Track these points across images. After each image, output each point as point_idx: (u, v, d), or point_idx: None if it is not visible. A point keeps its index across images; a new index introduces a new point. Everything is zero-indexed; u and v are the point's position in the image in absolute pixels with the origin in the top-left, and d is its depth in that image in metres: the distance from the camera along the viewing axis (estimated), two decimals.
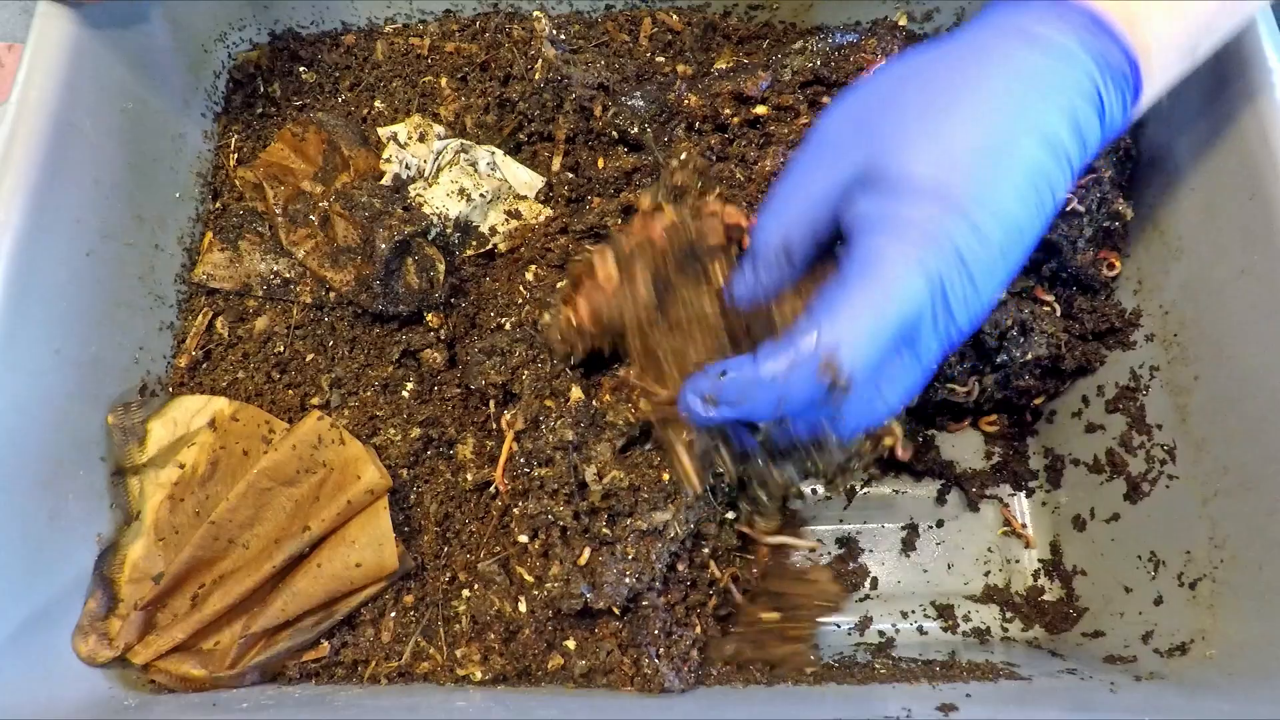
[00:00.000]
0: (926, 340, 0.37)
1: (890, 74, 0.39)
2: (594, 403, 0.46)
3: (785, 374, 0.36)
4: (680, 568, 0.47)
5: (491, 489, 0.50)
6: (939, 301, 0.35)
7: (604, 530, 0.45)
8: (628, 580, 0.44)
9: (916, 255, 0.35)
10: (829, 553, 0.59)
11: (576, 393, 0.47)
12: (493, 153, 0.55)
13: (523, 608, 0.47)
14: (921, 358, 0.37)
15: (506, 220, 0.55)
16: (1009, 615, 0.57)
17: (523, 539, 0.47)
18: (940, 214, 0.34)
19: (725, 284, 0.42)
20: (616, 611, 0.46)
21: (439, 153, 0.55)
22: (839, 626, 0.57)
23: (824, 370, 0.35)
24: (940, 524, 0.60)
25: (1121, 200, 0.52)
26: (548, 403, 0.47)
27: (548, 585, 0.45)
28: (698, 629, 0.47)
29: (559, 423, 0.45)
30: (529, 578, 0.47)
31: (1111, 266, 0.54)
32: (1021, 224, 0.36)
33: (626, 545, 0.45)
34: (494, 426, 0.51)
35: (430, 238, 0.53)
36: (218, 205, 0.57)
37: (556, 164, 0.55)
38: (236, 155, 0.58)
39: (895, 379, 0.38)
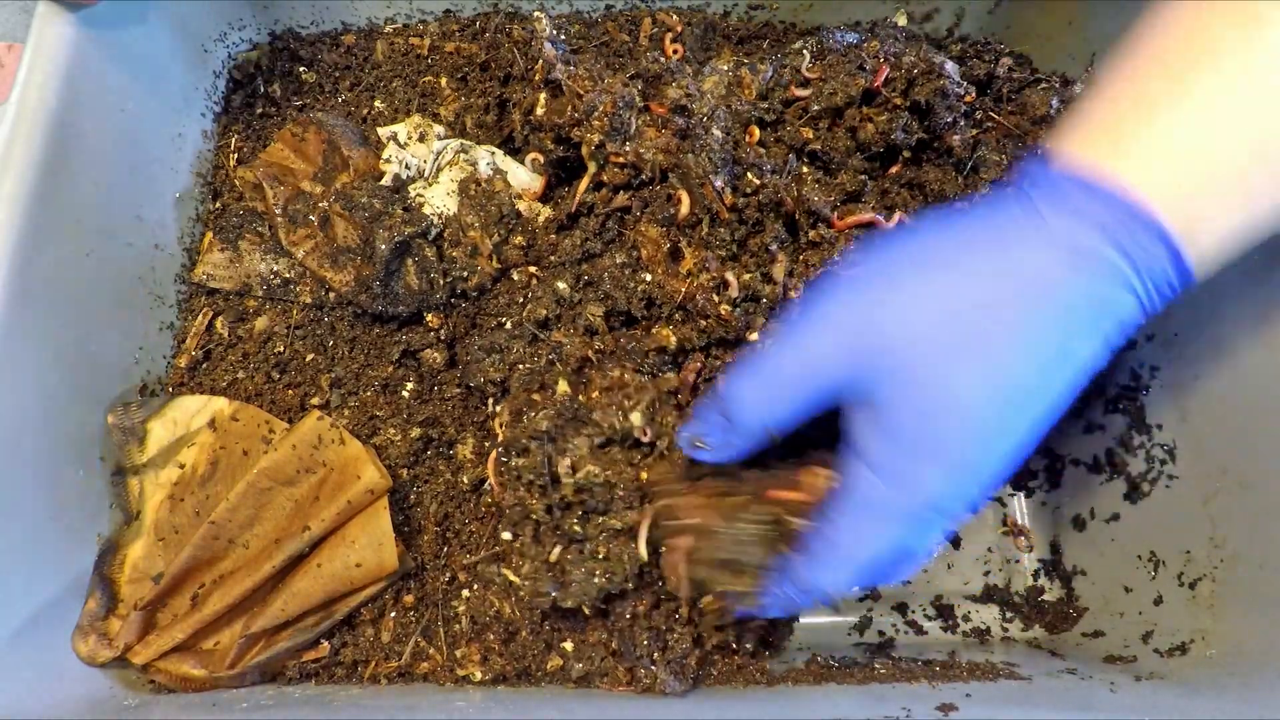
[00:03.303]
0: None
1: (907, 259, 0.35)
2: (580, 398, 0.46)
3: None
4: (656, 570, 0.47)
5: (485, 485, 0.50)
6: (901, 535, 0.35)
7: (575, 528, 0.44)
8: (597, 580, 0.44)
9: (900, 514, 0.34)
10: None
11: (563, 386, 0.46)
12: (493, 153, 0.55)
13: (513, 608, 0.47)
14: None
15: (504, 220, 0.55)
16: (1009, 615, 0.57)
17: (506, 535, 0.46)
18: (911, 458, 0.34)
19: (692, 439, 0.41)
20: (587, 612, 0.45)
21: (439, 153, 0.55)
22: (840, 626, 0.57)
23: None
24: None
25: None
26: (534, 396, 0.47)
27: (521, 584, 0.45)
28: (690, 631, 0.46)
29: (539, 414, 0.45)
30: (513, 578, 0.47)
31: None
32: (1021, 447, 0.34)
33: (598, 544, 0.44)
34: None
35: (430, 238, 0.53)
36: (218, 205, 0.57)
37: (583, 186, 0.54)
38: (236, 155, 0.58)
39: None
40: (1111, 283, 0.32)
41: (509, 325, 0.51)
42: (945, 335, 0.33)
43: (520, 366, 0.48)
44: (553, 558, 0.45)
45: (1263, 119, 0.31)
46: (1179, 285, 0.33)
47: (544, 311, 0.49)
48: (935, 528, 0.35)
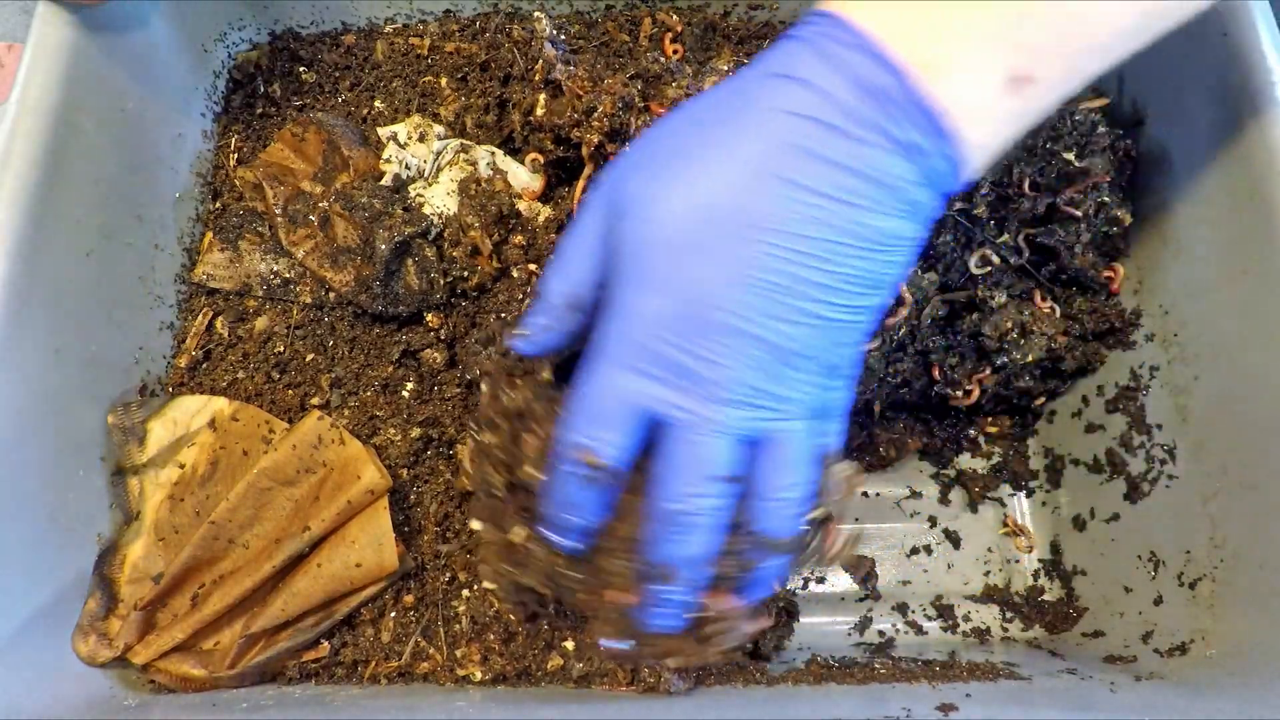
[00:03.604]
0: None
1: (661, 125, 0.36)
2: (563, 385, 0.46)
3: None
4: None
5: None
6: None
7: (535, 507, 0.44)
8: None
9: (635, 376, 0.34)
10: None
11: (546, 374, 0.46)
12: (492, 153, 0.55)
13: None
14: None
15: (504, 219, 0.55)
16: (1009, 615, 0.57)
17: (474, 525, 0.46)
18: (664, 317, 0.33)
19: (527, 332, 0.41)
20: (548, 593, 0.45)
21: (439, 153, 0.55)
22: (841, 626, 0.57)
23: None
24: (941, 524, 0.60)
25: (1120, 207, 0.52)
26: (517, 379, 0.47)
27: (483, 568, 0.45)
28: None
29: (516, 394, 0.45)
30: (487, 579, 0.46)
31: (1112, 278, 0.54)
32: (806, 339, 0.33)
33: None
34: None
35: (430, 238, 0.53)
36: (218, 205, 0.57)
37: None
38: (236, 155, 0.58)
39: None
40: (825, 102, 0.32)
41: (507, 319, 0.51)
42: (655, 156, 0.34)
43: (512, 354, 0.48)
44: (514, 538, 0.45)
45: None
46: (938, 138, 0.32)
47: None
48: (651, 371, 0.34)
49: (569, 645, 0.47)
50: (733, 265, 0.32)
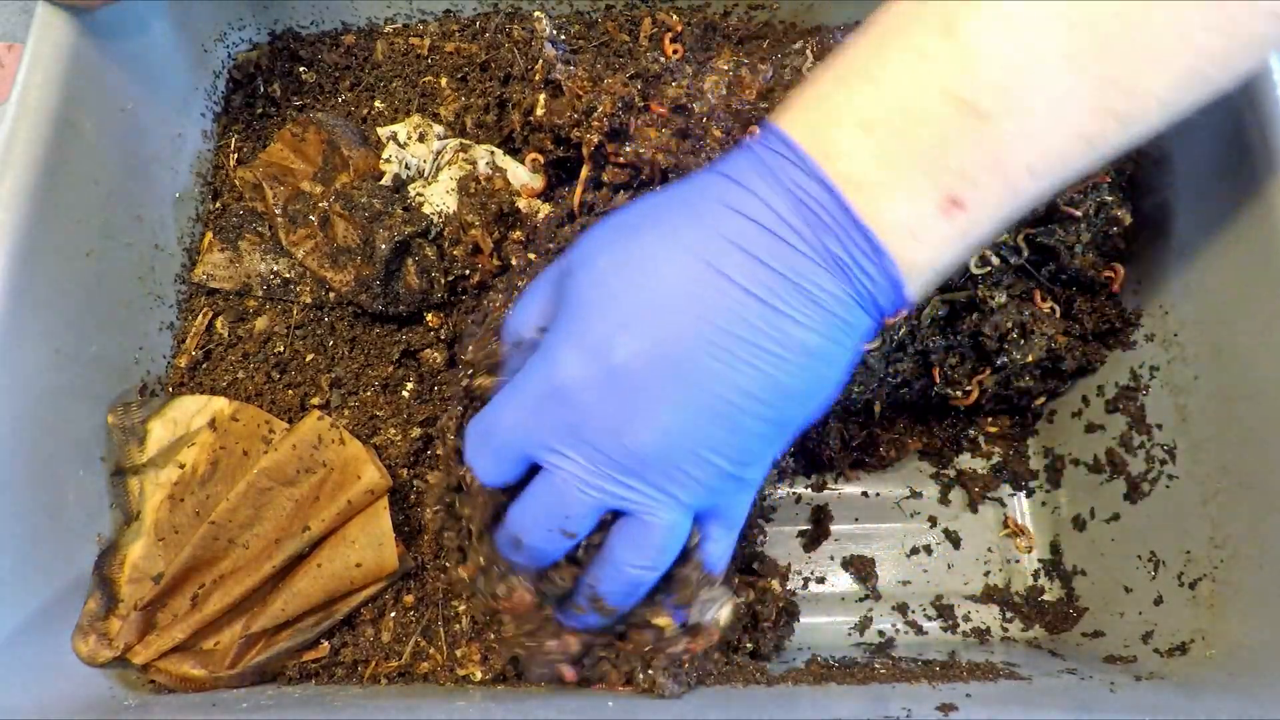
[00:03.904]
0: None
1: (628, 206, 0.37)
2: None
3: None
4: None
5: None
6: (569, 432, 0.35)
7: None
8: None
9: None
10: (832, 556, 0.59)
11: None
12: (492, 152, 0.55)
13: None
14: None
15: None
16: (1009, 615, 0.57)
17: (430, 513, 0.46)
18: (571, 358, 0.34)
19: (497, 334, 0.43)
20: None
21: (439, 152, 0.55)
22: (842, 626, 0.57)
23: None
24: (941, 524, 0.60)
25: (1120, 207, 0.52)
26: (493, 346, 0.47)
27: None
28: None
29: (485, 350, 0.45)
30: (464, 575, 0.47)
31: (1112, 278, 0.54)
32: (705, 434, 0.34)
33: None
34: None
35: (430, 237, 0.53)
36: (218, 205, 0.57)
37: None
38: (236, 155, 0.58)
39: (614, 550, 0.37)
40: (793, 256, 0.32)
41: (499, 300, 0.51)
42: (610, 228, 0.36)
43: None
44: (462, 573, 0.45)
45: (891, 66, 0.33)
46: (882, 276, 0.33)
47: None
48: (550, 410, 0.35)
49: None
50: (650, 340, 0.33)
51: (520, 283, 0.51)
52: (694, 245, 0.33)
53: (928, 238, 0.33)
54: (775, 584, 0.50)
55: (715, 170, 0.35)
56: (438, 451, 0.46)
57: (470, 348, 0.46)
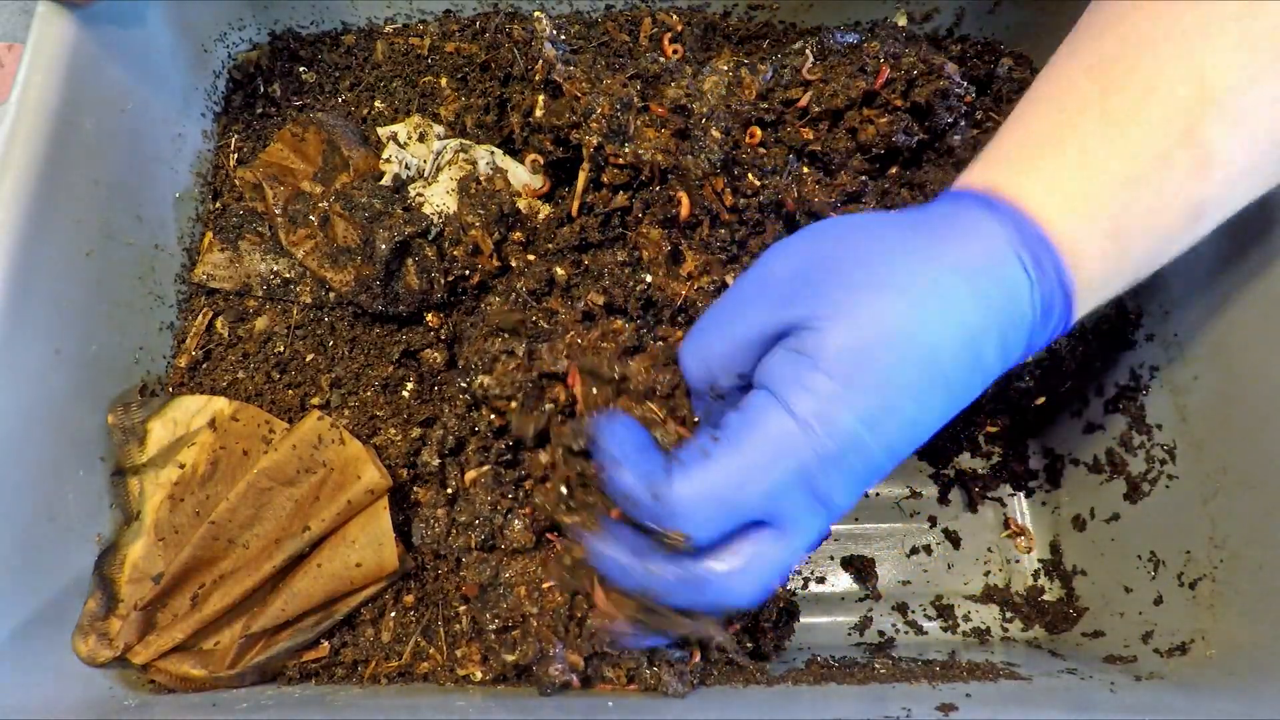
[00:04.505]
0: (792, 522, 0.35)
1: (843, 228, 0.37)
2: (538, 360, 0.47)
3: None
4: None
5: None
6: (805, 482, 0.34)
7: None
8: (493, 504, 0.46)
9: (797, 425, 0.33)
10: (832, 556, 0.59)
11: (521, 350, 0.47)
12: (492, 153, 0.55)
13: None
14: (787, 539, 0.35)
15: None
16: (1009, 615, 0.57)
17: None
18: (838, 392, 0.33)
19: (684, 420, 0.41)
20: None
21: (439, 153, 0.55)
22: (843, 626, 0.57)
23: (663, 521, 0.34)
24: (940, 524, 0.60)
25: None
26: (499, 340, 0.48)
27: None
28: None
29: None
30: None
31: None
32: (917, 423, 0.34)
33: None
34: None
35: (430, 237, 0.53)
36: (218, 205, 0.57)
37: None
38: (236, 155, 0.58)
39: (752, 562, 0.36)
40: (1006, 290, 0.34)
41: (495, 303, 0.51)
42: (859, 269, 0.35)
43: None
44: (468, 480, 0.47)
45: (1136, 164, 0.34)
46: (1064, 313, 0.35)
47: (535, 285, 0.50)
48: (837, 479, 0.34)
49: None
50: (917, 397, 0.33)
51: (519, 284, 0.51)
52: (965, 318, 0.33)
53: (1107, 289, 0.37)
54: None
55: (940, 210, 0.36)
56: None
57: (469, 351, 0.46)
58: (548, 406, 0.45)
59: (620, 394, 0.42)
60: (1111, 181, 0.34)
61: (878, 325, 0.33)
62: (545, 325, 0.48)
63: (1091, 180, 0.34)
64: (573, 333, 0.46)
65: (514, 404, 0.46)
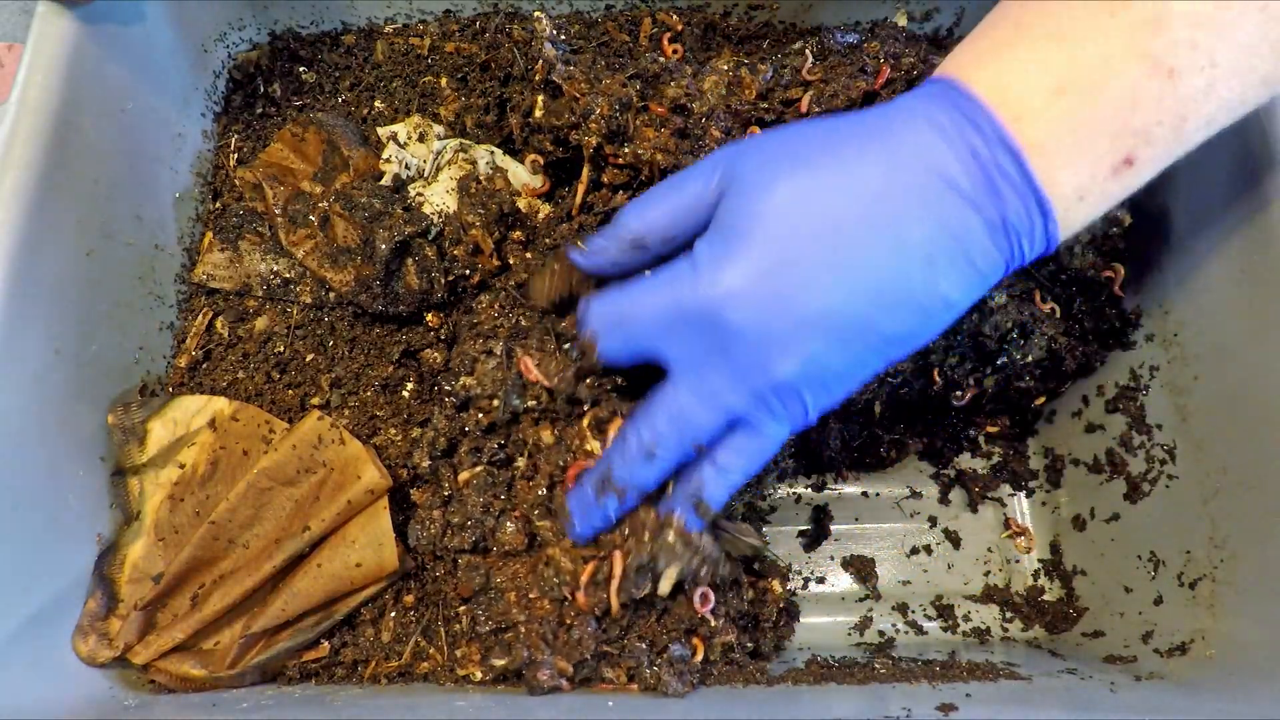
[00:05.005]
0: (682, 362, 0.37)
1: (792, 129, 0.37)
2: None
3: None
4: None
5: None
6: (687, 318, 0.35)
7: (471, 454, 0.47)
8: (484, 503, 0.46)
9: (689, 264, 0.36)
10: (832, 556, 0.59)
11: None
12: (492, 152, 0.55)
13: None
14: (675, 379, 0.37)
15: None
16: (1009, 615, 0.57)
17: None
18: (731, 245, 0.34)
19: (580, 244, 0.43)
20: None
21: (439, 152, 0.55)
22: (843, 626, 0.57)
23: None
24: (940, 524, 0.60)
25: (1120, 207, 0.52)
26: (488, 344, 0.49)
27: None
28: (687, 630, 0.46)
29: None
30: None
31: (1112, 278, 0.54)
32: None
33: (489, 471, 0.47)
34: None
35: (430, 237, 0.53)
36: (218, 205, 0.57)
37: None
38: (236, 155, 0.58)
39: (651, 401, 0.38)
40: (970, 219, 0.33)
41: (485, 301, 0.51)
42: (785, 149, 0.35)
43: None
44: (462, 480, 0.47)
45: (1073, 21, 0.32)
46: (1043, 237, 0.34)
47: (525, 275, 0.51)
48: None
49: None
50: (818, 277, 0.33)
51: (512, 283, 0.52)
52: (874, 191, 0.33)
53: (1092, 197, 0.33)
54: (775, 584, 0.50)
55: (897, 108, 0.35)
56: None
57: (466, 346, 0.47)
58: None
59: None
60: (1049, 37, 0.33)
61: (770, 191, 0.34)
62: (525, 324, 0.49)
63: (1029, 42, 0.33)
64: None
65: (496, 400, 0.48)
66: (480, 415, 0.48)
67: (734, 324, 0.34)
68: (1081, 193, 0.33)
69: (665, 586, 0.42)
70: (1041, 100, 0.32)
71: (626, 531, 0.42)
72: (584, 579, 0.43)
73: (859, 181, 0.33)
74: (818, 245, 0.33)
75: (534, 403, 0.46)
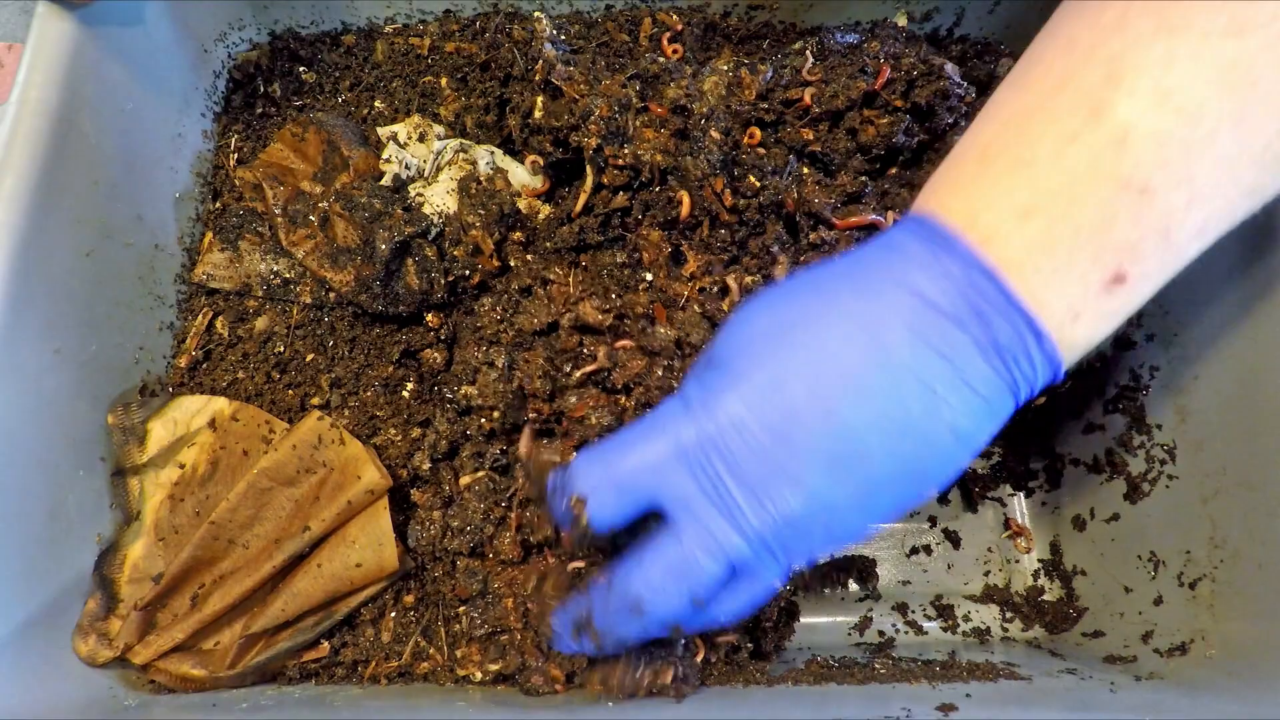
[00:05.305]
0: (682, 510, 0.35)
1: (779, 286, 0.37)
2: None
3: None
4: None
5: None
6: (685, 460, 0.34)
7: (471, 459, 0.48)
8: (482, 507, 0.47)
9: (680, 403, 0.35)
10: (831, 556, 0.59)
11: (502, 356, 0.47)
12: (492, 153, 0.55)
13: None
14: (677, 530, 0.35)
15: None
16: (1009, 615, 0.57)
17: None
18: (728, 382, 0.34)
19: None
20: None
21: (439, 153, 0.55)
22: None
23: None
24: (940, 524, 0.60)
25: None
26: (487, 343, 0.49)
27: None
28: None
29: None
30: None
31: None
32: (840, 505, 0.33)
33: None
34: None
35: (430, 237, 0.53)
36: (218, 205, 0.57)
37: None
38: (236, 155, 0.58)
39: (647, 556, 0.36)
40: (956, 337, 0.32)
41: (488, 304, 0.51)
42: (769, 307, 0.36)
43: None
44: (464, 482, 0.47)
45: (1039, 148, 0.32)
46: (1042, 359, 0.33)
47: (529, 281, 0.50)
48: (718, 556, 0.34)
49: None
50: (812, 401, 0.32)
51: (513, 284, 0.52)
52: (858, 316, 0.33)
53: (1089, 316, 0.33)
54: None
55: (875, 245, 0.35)
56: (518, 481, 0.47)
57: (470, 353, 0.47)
58: (531, 415, 0.46)
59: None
60: (1013, 165, 0.32)
61: (753, 322, 0.35)
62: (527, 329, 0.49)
63: (994, 171, 0.33)
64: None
65: (497, 413, 0.48)
66: (483, 422, 0.48)
67: (737, 456, 0.33)
68: (1075, 311, 0.32)
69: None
70: (1011, 223, 0.32)
71: None
72: None
73: (838, 307, 0.33)
74: (807, 369, 0.33)
75: (535, 414, 0.46)
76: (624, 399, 0.45)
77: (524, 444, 0.46)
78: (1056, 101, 0.32)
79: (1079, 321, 0.33)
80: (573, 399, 0.45)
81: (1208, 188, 0.31)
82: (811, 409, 0.33)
